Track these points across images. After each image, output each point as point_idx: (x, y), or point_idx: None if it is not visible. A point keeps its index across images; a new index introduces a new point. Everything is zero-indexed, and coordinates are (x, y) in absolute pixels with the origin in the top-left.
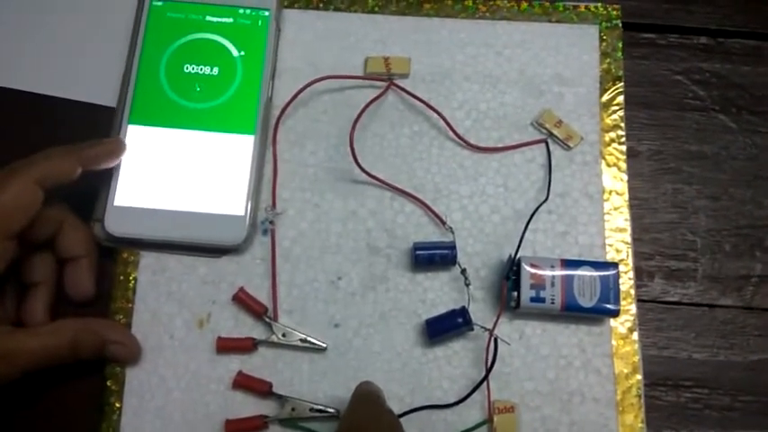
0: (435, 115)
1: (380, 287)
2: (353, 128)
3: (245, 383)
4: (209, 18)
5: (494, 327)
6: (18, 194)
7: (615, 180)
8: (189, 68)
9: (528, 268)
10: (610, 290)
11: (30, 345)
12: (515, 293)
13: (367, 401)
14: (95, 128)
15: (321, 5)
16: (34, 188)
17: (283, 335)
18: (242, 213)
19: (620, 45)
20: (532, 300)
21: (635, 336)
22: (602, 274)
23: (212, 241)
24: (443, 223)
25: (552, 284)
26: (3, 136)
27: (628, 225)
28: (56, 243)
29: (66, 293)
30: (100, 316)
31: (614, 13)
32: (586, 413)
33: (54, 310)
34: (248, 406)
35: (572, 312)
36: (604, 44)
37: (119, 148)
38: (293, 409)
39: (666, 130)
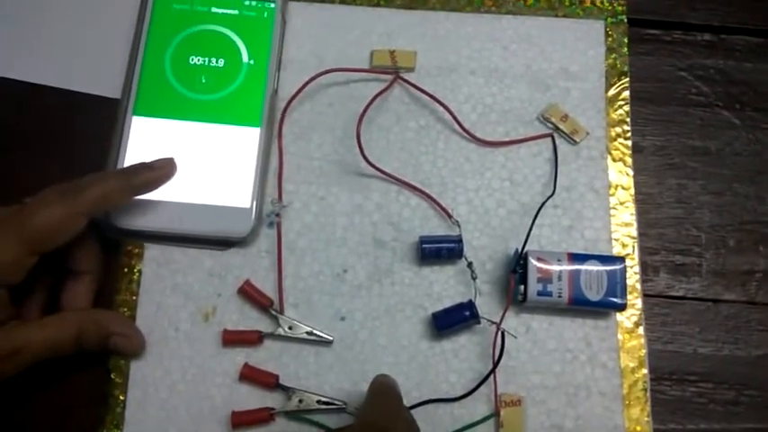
0: (441, 109)
1: (386, 280)
2: (360, 121)
3: (251, 376)
4: (214, 9)
5: (501, 320)
6: (63, 221)
7: (621, 175)
8: (194, 60)
9: (535, 262)
10: (617, 284)
11: (36, 337)
12: (522, 287)
13: (385, 396)
14: (100, 119)
15: None
16: (80, 217)
17: (289, 328)
18: (248, 206)
19: (626, 41)
20: (539, 293)
21: (641, 330)
22: (608, 268)
23: (218, 233)
24: (450, 217)
25: (559, 278)
26: (6, 127)
27: (633, 220)
28: (66, 253)
29: (60, 304)
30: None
31: (619, 8)
32: (592, 407)
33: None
34: (254, 399)
35: (579, 306)
36: (610, 39)
37: (171, 170)
38: (300, 402)
39: (671, 126)
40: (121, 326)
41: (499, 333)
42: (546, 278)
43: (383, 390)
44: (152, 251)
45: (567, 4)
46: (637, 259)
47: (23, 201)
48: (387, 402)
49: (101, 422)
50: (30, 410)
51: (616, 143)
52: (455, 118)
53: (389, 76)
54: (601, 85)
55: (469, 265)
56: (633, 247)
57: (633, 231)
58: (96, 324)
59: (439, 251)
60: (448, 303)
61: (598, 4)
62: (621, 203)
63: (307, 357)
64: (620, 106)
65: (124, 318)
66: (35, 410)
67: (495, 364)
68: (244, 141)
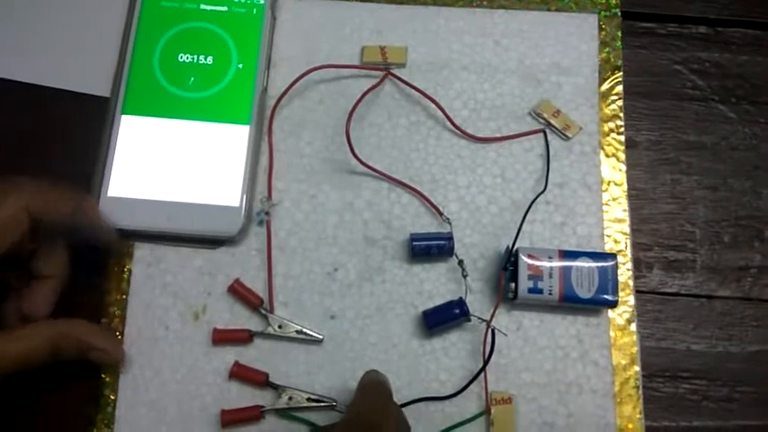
0: (432, 105)
1: (377, 278)
2: (350, 118)
3: (241, 374)
4: (203, 6)
5: (491, 318)
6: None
7: (614, 170)
8: (183, 58)
9: (526, 259)
10: (608, 281)
11: (8, 350)
12: (513, 284)
13: (374, 391)
14: (88, 118)
15: None
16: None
17: (279, 326)
18: (237, 204)
19: (620, 34)
20: (530, 291)
21: (633, 327)
22: (600, 264)
23: (207, 232)
24: (440, 214)
25: (550, 275)
26: None
27: (626, 216)
28: (32, 257)
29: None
30: (89, 313)
31: (613, 1)
32: (584, 404)
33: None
34: (244, 397)
35: (570, 303)
36: (603, 33)
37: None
38: (290, 399)
39: (665, 120)
40: (99, 340)
41: (489, 331)
42: (537, 275)
43: (373, 385)
44: (141, 250)
45: None
46: (629, 255)
47: None
48: (376, 398)
49: (92, 421)
50: (20, 411)
51: (609, 138)
52: (446, 114)
53: (380, 73)
54: (594, 80)
55: (460, 262)
56: (626, 243)
57: (626, 227)
58: (73, 338)
59: (429, 249)
60: (439, 301)
61: None
62: (614, 199)
63: (297, 356)
64: (614, 101)
65: (102, 331)
66: (25, 411)
67: (486, 362)
68: (233, 139)
